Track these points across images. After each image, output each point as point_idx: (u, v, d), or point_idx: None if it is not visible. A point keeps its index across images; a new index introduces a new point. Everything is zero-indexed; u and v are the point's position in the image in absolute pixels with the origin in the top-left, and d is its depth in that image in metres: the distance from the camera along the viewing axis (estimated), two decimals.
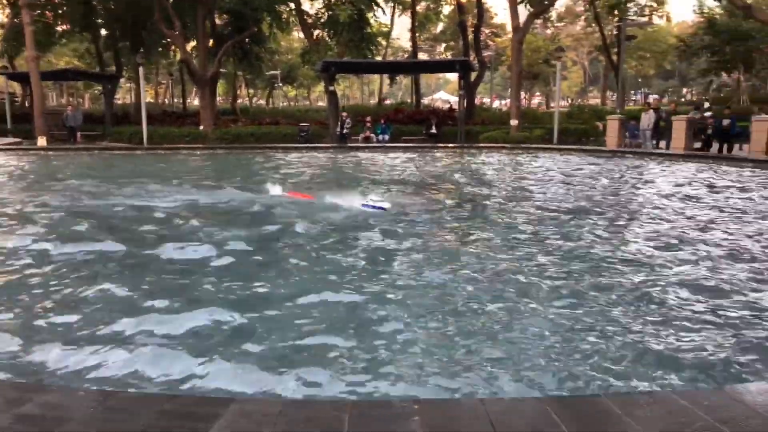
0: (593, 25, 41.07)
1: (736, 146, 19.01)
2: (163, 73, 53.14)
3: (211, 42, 29.92)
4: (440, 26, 50.64)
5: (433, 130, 25.43)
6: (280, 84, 50.90)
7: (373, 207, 8.81)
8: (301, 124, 25.52)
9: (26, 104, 32.43)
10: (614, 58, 34.09)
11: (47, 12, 32.91)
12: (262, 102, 61.15)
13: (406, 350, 3.72)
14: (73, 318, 4.22)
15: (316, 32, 32.12)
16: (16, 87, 34.73)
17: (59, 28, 34.75)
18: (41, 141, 22.96)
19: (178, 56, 32.98)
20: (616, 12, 32.46)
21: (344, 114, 25.37)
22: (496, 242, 7.01)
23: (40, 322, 4.16)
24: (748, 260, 6.07)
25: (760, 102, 32.51)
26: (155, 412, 2.32)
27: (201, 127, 25.63)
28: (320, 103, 63.40)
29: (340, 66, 27.70)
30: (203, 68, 26.50)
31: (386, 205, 8.95)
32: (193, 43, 32.53)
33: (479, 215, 9.26)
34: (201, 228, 7.53)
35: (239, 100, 49.00)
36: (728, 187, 12.11)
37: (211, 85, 27.68)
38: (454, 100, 48.68)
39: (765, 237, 7.24)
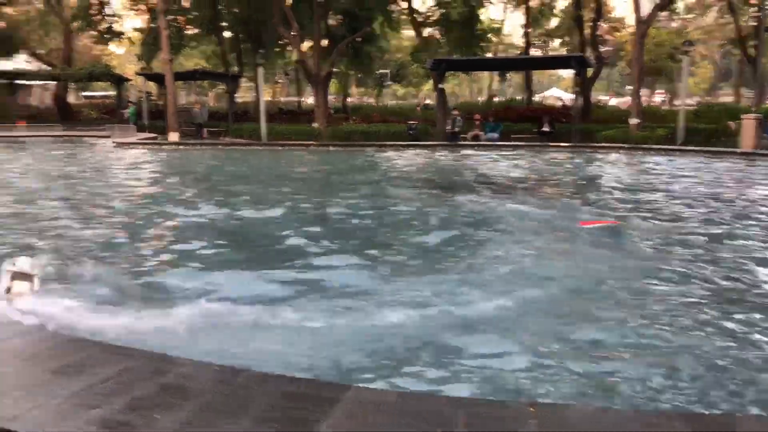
0: (726, 15, 37.69)
1: None
2: (280, 73, 55.75)
3: (325, 42, 30.96)
4: (554, 21, 48.81)
5: (546, 128, 24.62)
6: (390, 82, 51.53)
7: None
8: (410, 122, 25.70)
9: (160, 102, 35.41)
10: (751, 51, 31.11)
11: (180, 17, 35.72)
12: (371, 100, 62.29)
13: None
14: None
15: (427, 30, 32.26)
16: (152, 87, 37.95)
17: (189, 32, 37.58)
18: (172, 136, 24.93)
19: (294, 56, 34.44)
20: (753, 1, 29.65)
21: (456, 112, 25.21)
22: None
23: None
24: None
25: None
26: (279, 393, 2.45)
27: (315, 125, 26.60)
28: (427, 101, 63.51)
29: (450, 64, 27.58)
30: (318, 68, 27.48)
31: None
32: (308, 44, 33.86)
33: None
34: None
35: (350, 99, 50.28)
36: None
37: (325, 84, 28.64)
38: (567, 97, 46.88)
39: None
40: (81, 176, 14.25)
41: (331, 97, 39.34)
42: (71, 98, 45.05)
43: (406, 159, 19.18)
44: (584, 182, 13.64)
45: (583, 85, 27.84)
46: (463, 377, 3.39)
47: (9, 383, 2.39)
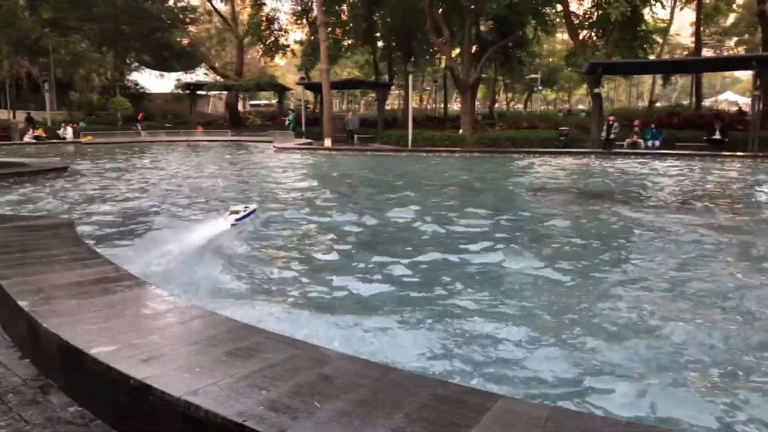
0: None
1: None
2: (428, 80, 56.63)
3: (474, 48, 30.85)
4: (731, 18, 44.11)
5: (717, 136, 22.30)
6: (540, 87, 50.05)
7: None
8: (561, 128, 24.72)
9: (316, 110, 37.72)
10: None
11: (338, 30, 37.80)
12: (520, 106, 60.89)
13: None
14: None
15: (583, 33, 30.78)
16: (309, 95, 40.57)
17: (345, 43, 39.62)
18: (327, 142, 26.42)
19: (443, 63, 34.77)
20: None
21: (611, 118, 23.78)
22: None
23: None
24: None
25: None
26: (429, 394, 2.49)
27: (460, 131, 26.64)
28: (580, 106, 60.62)
29: (608, 67, 26.09)
30: (467, 74, 27.48)
31: None
32: (457, 50, 33.98)
33: None
34: None
35: (497, 104, 49.63)
36: None
37: (473, 90, 28.56)
38: (743, 101, 42.11)
39: None
40: (253, 173, 16.70)
41: (477, 103, 39.16)
42: (240, 107, 49.73)
43: (555, 167, 18.47)
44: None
45: (764, 88, 24.77)
46: None
47: (191, 360, 2.68)
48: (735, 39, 47.41)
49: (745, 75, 50.26)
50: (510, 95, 61.09)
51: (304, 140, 28.85)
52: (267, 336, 3.04)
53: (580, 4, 32.75)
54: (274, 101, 53.87)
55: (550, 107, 61.23)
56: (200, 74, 45.27)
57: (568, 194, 12.36)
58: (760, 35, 30.94)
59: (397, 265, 5.94)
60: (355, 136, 28.27)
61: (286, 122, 34.07)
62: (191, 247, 6.42)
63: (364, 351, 3.60)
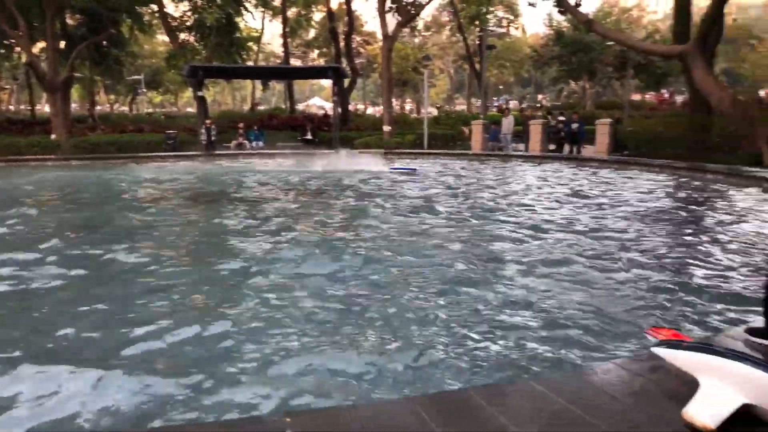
0: (457, 34, 43.20)
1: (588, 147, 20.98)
2: (7, 77, 47.94)
3: (63, 44, 27.44)
4: (312, 32, 50.58)
5: (309, 136, 25.40)
6: (144, 89, 47.97)
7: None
8: (168, 132, 24.24)
9: None
10: (477, 66, 36.07)
11: None
12: (125, 108, 57.24)
13: None
14: None
15: (182, 35, 30.74)
16: None
17: None
18: None
19: (23, 58, 29.88)
20: (477, 23, 34.45)
21: (208, 121, 24.27)
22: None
23: None
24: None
25: (603, 108, 36.13)
26: None
27: (53, 136, 23.46)
28: (189, 109, 60.68)
29: (208, 71, 26.67)
30: (53, 72, 24.25)
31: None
32: (42, 45, 29.68)
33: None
34: None
35: (98, 107, 45.52)
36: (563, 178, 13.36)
37: (64, 91, 25.35)
38: (329, 106, 48.93)
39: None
40: None
41: (75, 105, 35.13)
42: None
43: (158, 171, 17.96)
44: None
45: (340, 95, 29.30)
46: None
47: None
48: (317, 51, 54.52)
49: (328, 83, 58.53)
50: (113, 97, 56.90)
51: None
52: None
53: (177, 7, 32.54)
54: None
55: (157, 110, 59.40)
56: None
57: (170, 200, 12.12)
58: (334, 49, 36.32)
59: None
60: None
61: None
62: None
63: None
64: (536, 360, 3.73)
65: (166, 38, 34.44)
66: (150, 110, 53.58)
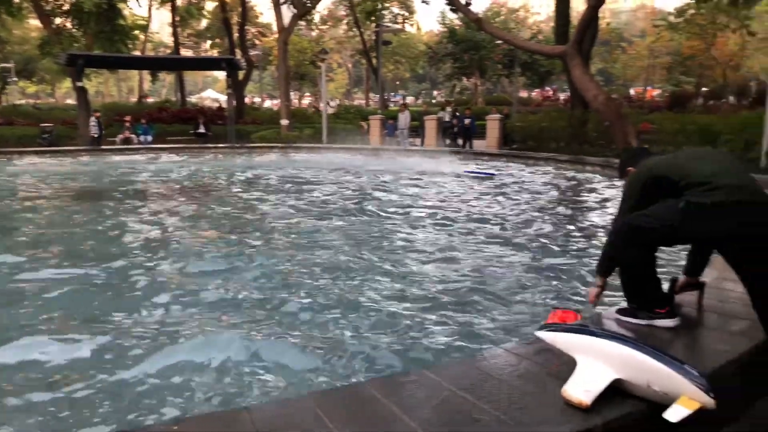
0: (354, 29, 43.35)
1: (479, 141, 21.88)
2: None
3: None
4: (204, 22, 48.63)
5: (202, 130, 24.44)
6: (15, 78, 43.82)
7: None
8: (43, 125, 22.34)
9: None
10: (374, 61, 36.44)
11: None
12: None
13: None
14: None
15: (58, 21, 28.37)
16: None
17: None
18: None
19: None
20: (373, 18, 34.78)
21: (97, 113, 22.73)
22: None
23: None
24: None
25: (493, 103, 37.85)
26: None
27: None
28: (69, 101, 56.30)
29: (89, 60, 24.85)
30: None
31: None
32: None
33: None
34: None
35: None
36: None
37: None
38: (223, 98, 47.35)
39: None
40: None
41: None
42: None
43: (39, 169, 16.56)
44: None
45: (235, 87, 28.45)
46: None
47: None
48: (210, 42, 52.52)
49: (222, 75, 56.60)
50: None
51: None
52: None
53: None
54: None
55: (30, 101, 54.54)
56: None
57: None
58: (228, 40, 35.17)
59: None
60: None
61: None
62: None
63: None
64: (430, 350, 3.83)
65: (39, 23, 31.65)
66: (21, 101, 49.05)
